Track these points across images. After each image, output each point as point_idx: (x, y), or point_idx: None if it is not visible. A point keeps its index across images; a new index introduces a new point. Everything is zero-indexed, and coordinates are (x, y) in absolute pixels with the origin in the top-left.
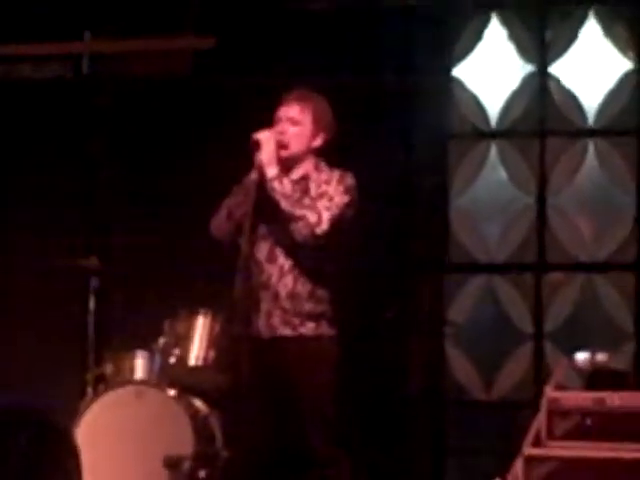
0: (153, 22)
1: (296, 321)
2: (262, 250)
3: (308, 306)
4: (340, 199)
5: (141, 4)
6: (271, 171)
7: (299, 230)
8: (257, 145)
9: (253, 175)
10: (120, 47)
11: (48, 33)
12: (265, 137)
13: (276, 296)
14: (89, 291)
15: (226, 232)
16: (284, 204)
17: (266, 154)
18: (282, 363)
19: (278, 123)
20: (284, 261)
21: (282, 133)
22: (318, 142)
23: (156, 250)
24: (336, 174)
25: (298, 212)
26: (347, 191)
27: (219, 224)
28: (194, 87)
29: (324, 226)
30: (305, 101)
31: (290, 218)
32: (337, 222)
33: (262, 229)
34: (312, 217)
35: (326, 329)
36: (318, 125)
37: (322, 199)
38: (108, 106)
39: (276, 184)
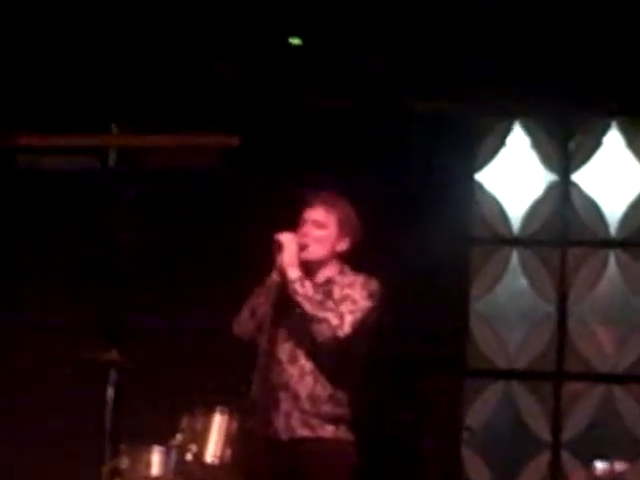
0: (180, 118)
1: (315, 423)
2: (284, 351)
3: (327, 408)
4: (363, 303)
5: (168, 99)
6: (292, 273)
7: (321, 332)
8: (279, 246)
9: (275, 276)
10: (146, 142)
11: (76, 125)
12: (287, 239)
13: (296, 397)
14: (107, 384)
15: (248, 331)
16: (306, 306)
17: (288, 256)
18: (300, 464)
19: (303, 225)
20: (305, 362)
21: (305, 235)
22: (343, 246)
23: (176, 346)
24: (360, 278)
25: (320, 314)
26: (371, 296)
27: (242, 323)
28: (219, 182)
29: (346, 329)
30: (331, 205)
31: (312, 320)
32: (359, 326)
33: (284, 330)
34: (334, 320)
35: (344, 433)
36: (343, 229)
37: (345, 302)
38: (133, 198)
39: (297, 286)
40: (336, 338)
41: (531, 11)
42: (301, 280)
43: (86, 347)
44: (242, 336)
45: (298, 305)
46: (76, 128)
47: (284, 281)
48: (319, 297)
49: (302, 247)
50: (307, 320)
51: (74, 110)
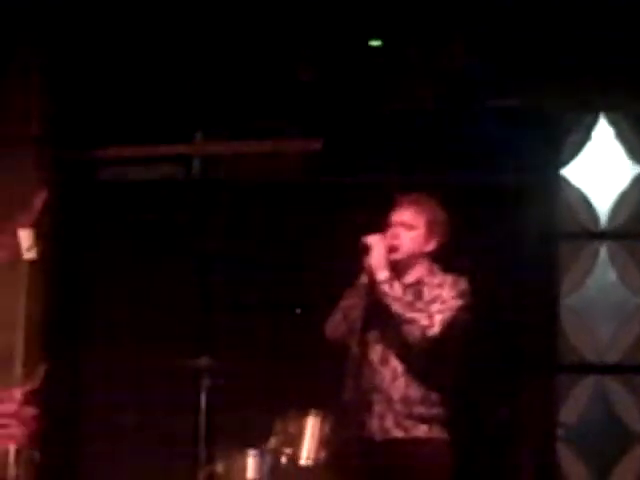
0: (262, 125)
1: (409, 424)
2: (375, 353)
3: (421, 409)
4: (453, 302)
5: (251, 107)
6: (381, 274)
7: (411, 332)
8: (367, 249)
9: (363, 279)
10: (229, 149)
11: (160, 135)
12: (375, 240)
13: (389, 399)
14: (200, 389)
15: (340, 333)
16: (395, 307)
17: (376, 257)
18: (395, 466)
19: (391, 227)
20: (397, 364)
21: (394, 237)
22: (431, 246)
23: (268, 349)
24: (450, 278)
25: (409, 315)
26: (461, 295)
27: (335, 326)
28: (304, 189)
29: (436, 329)
30: (419, 206)
31: (402, 321)
32: (450, 325)
33: (375, 332)
34: (424, 320)
35: (439, 432)
36: (432, 230)
37: (435, 302)
38: (219, 207)
39: (386, 287)
40: (427, 338)
41: (611, 4)
42: (390, 281)
43: (178, 354)
44: (334, 338)
45: (387, 306)
46: (160, 138)
47: (373, 283)
48: (408, 298)
49: (391, 249)
50: (397, 321)
51: (158, 119)
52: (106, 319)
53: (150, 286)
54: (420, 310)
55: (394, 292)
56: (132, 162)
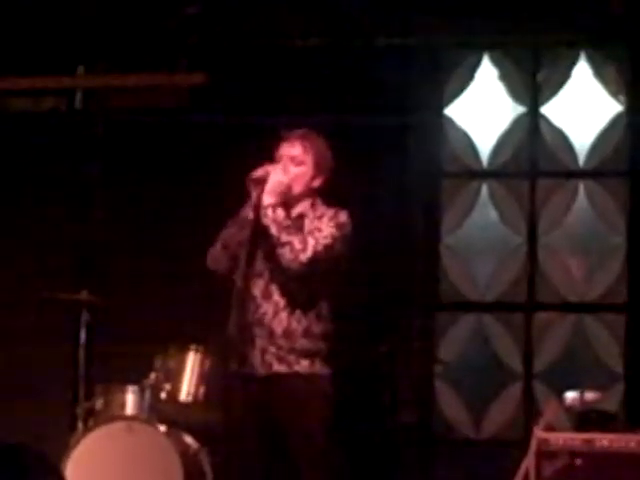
0: (146, 57)
1: (291, 358)
2: (258, 287)
3: (303, 343)
4: (329, 231)
5: (134, 40)
6: (267, 199)
7: (284, 255)
8: (256, 181)
9: (249, 214)
10: (112, 82)
11: (43, 67)
12: (267, 170)
13: (271, 333)
14: (80, 325)
15: (221, 264)
16: (273, 229)
17: (271, 184)
18: (276, 400)
19: (279, 161)
20: (279, 298)
21: (284, 171)
22: (317, 183)
23: (149, 283)
24: (330, 211)
25: (285, 238)
26: (338, 226)
27: (215, 256)
28: (187, 121)
29: (308, 253)
30: (307, 141)
31: (278, 244)
32: (324, 254)
33: (257, 266)
34: (298, 244)
35: (320, 368)
36: (319, 166)
37: (313, 232)
38: (101, 138)
39: (269, 211)
40: (298, 261)
41: None
42: (274, 207)
43: (58, 288)
44: (216, 269)
45: (268, 235)
46: (42, 70)
47: (257, 217)
48: (291, 229)
49: (281, 182)
50: (274, 244)
51: (41, 52)
52: None
53: (30, 218)
54: (295, 235)
55: (275, 216)
56: (15, 94)
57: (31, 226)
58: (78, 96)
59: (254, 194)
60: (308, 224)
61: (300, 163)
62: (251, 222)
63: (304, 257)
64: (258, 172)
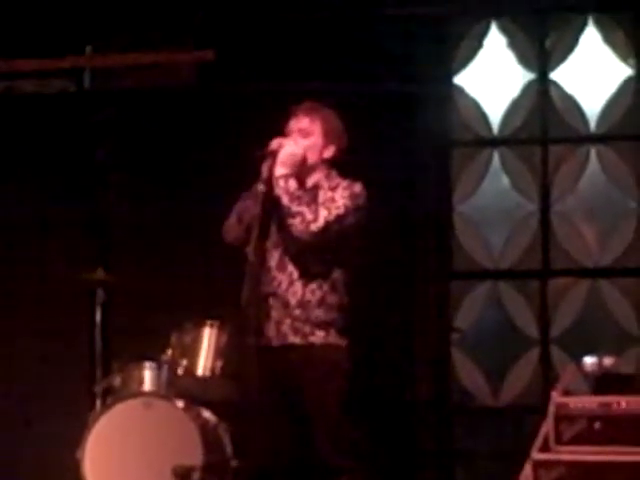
0: (154, 36)
1: (306, 329)
2: (273, 258)
3: (318, 314)
4: (342, 202)
5: (142, 18)
6: (280, 170)
7: (295, 226)
8: (268, 154)
9: (260, 187)
10: (120, 61)
11: (50, 49)
12: (280, 143)
13: (286, 304)
14: (95, 303)
15: (237, 236)
16: (284, 200)
17: (282, 156)
18: (292, 371)
19: (289, 135)
20: (293, 269)
21: (296, 144)
22: (329, 153)
23: (163, 260)
24: (345, 182)
25: (296, 208)
26: (351, 197)
27: (230, 228)
28: (197, 98)
29: (320, 223)
30: (314, 113)
31: (289, 214)
32: (337, 224)
33: (273, 238)
34: (309, 215)
35: (336, 338)
36: (328, 136)
37: (326, 203)
38: (111, 119)
39: (281, 182)
40: (309, 232)
41: None
42: (286, 177)
43: (73, 267)
44: (232, 242)
45: (281, 205)
46: (50, 51)
47: (270, 189)
48: (299, 193)
49: (293, 153)
50: (286, 214)
51: (48, 33)
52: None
53: (44, 199)
54: (308, 205)
55: (287, 186)
56: (23, 76)
57: (42, 207)
58: (86, 77)
59: (265, 167)
60: (322, 195)
61: (308, 134)
62: (263, 195)
63: (315, 227)
64: (269, 145)
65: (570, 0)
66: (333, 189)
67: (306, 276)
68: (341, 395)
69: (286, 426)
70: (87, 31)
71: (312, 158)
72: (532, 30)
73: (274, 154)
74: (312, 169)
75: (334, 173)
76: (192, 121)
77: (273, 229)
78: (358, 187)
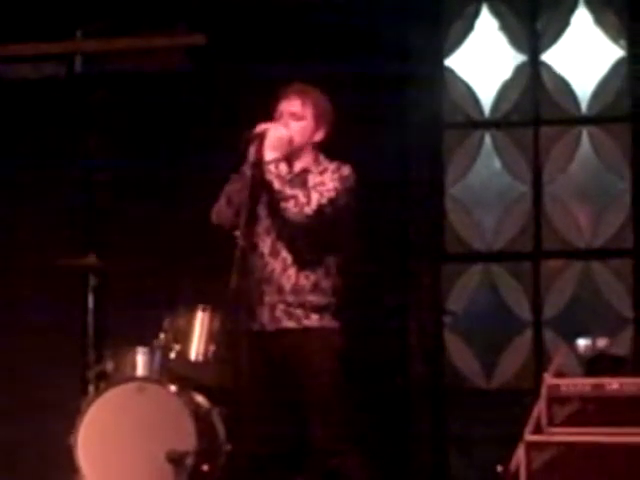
0: (145, 20)
1: (300, 314)
2: (265, 245)
3: (312, 298)
4: (332, 185)
5: (133, 2)
6: (270, 155)
7: (289, 209)
8: (255, 138)
9: (247, 171)
10: (111, 45)
11: (41, 33)
12: (268, 126)
13: (280, 289)
14: (88, 289)
15: (226, 219)
16: (276, 184)
17: (269, 140)
18: (286, 355)
19: (279, 117)
20: (287, 255)
21: (285, 126)
22: (319, 136)
23: (154, 245)
24: (333, 165)
25: (289, 192)
26: (341, 180)
27: (220, 211)
28: (189, 82)
29: (313, 206)
30: (306, 95)
31: (282, 197)
32: (329, 208)
33: (264, 223)
34: (302, 198)
35: (329, 321)
36: (319, 120)
37: (316, 187)
38: (102, 103)
39: (272, 167)
40: (303, 214)
41: None
42: (276, 162)
43: (64, 253)
44: (221, 224)
45: (269, 186)
46: (40, 35)
47: (259, 172)
48: (290, 177)
49: (282, 137)
50: (278, 198)
51: (38, 17)
52: None
53: (34, 185)
54: (300, 189)
55: (278, 171)
56: (13, 61)
57: (34, 192)
58: (78, 61)
59: (252, 151)
60: (312, 179)
61: (300, 118)
62: (249, 179)
63: (309, 210)
64: (256, 129)
65: None
66: (322, 173)
67: (300, 261)
68: (335, 377)
69: (280, 410)
70: (78, 15)
71: (301, 141)
72: (523, 12)
73: (260, 137)
74: (300, 152)
75: (322, 157)
76: (184, 105)
77: (264, 214)
78: (347, 169)
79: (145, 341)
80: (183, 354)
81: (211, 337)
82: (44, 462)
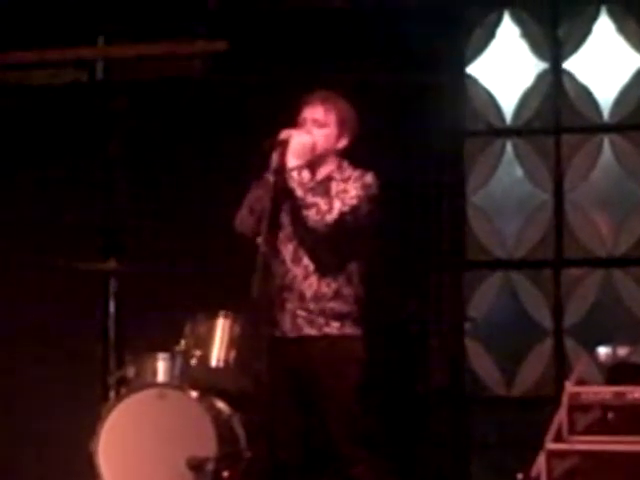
0: (166, 26)
1: (321, 321)
2: (287, 251)
3: (333, 306)
4: (355, 192)
5: (154, 9)
6: (292, 162)
7: (311, 217)
8: (279, 145)
9: (270, 177)
10: (132, 52)
11: (62, 39)
12: (291, 133)
13: (301, 297)
14: (109, 294)
15: (249, 226)
16: (298, 192)
17: (294, 147)
18: (308, 363)
19: (303, 124)
20: (308, 262)
21: (308, 134)
22: (343, 143)
23: (176, 251)
24: (356, 172)
25: (311, 199)
26: (364, 187)
27: (242, 219)
28: (210, 89)
29: (334, 215)
30: (329, 103)
31: (304, 205)
32: (351, 215)
33: (287, 230)
34: (324, 205)
35: (351, 329)
36: (343, 127)
37: (339, 195)
38: (123, 110)
39: (295, 174)
40: (324, 223)
41: None
42: (299, 169)
43: (86, 258)
44: (244, 232)
45: (294, 197)
46: (62, 41)
47: (281, 180)
48: (312, 184)
49: (306, 144)
50: (300, 206)
51: (60, 23)
52: (9, 221)
53: (55, 189)
54: (322, 196)
55: (300, 179)
56: (35, 67)
57: (56, 198)
58: (99, 67)
59: (275, 157)
60: (335, 186)
61: (323, 125)
62: (272, 186)
63: (330, 218)
64: (279, 135)
65: None
66: (345, 180)
67: (321, 269)
68: (356, 385)
69: (300, 417)
70: (99, 21)
71: (325, 148)
72: (545, 20)
73: (284, 144)
74: (324, 159)
75: (345, 164)
76: (205, 111)
77: (286, 221)
78: (370, 177)
79: (166, 347)
80: (204, 360)
81: (232, 343)
82: (64, 466)
